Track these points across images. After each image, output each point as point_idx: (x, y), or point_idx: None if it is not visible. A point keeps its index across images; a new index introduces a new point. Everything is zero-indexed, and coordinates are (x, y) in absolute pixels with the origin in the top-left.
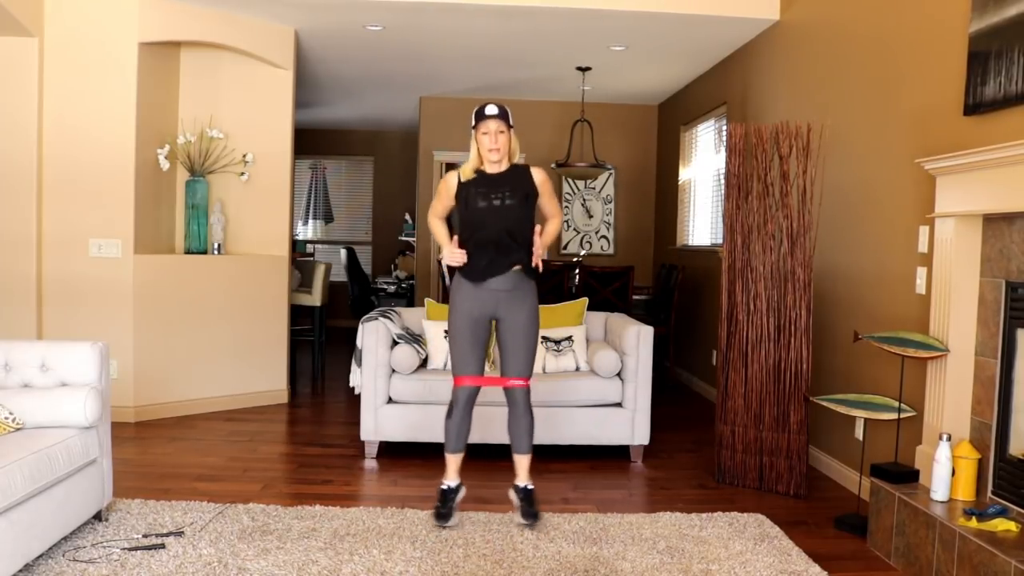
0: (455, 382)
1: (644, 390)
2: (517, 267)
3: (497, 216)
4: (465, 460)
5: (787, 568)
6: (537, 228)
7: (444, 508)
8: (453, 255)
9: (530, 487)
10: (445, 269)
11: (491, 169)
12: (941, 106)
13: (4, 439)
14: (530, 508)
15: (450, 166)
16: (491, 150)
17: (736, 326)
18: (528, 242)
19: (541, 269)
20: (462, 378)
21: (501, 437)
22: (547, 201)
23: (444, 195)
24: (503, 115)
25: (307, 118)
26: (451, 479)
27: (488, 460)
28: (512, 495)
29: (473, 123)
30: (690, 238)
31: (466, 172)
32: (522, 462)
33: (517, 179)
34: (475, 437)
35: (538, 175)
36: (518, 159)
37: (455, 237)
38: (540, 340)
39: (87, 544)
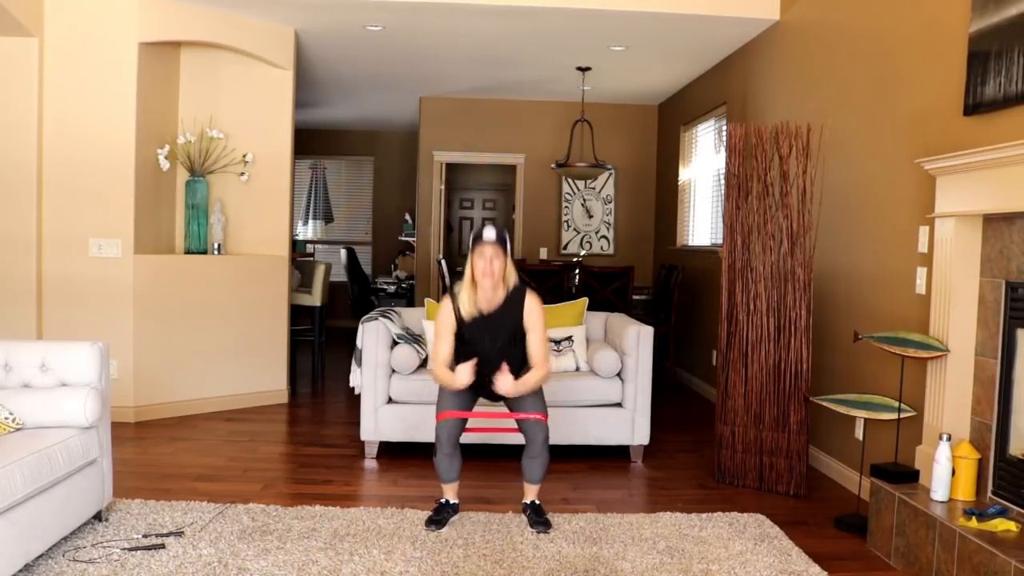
0: (437, 417)
1: (644, 390)
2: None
3: (493, 362)
4: (466, 462)
5: (787, 568)
6: (505, 369)
7: (438, 517)
8: (464, 377)
9: (537, 502)
10: (445, 269)
11: (485, 299)
12: (941, 106)
13: (4, 439)
14: (539, 518)
15: (450, 167)
16: (485, 275)
17: (736, 326)
18: (518, 368)
19: (505, 392)
20: (445, 412)
21: (501, 438)
22: (534, 338)
23: (446, 332)
24: (500, 241)
25: (307, 118)
26: (449, 496)
27: (488, 460)
28: (523, 512)
29: (471, 244)
30: (690, 238)
31: (463, 302)
32: (531, 489)
33: (510, 314)
34: (477, 438)
35: (530, 304)
36: (513, 281)
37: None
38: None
39: (87, 544)
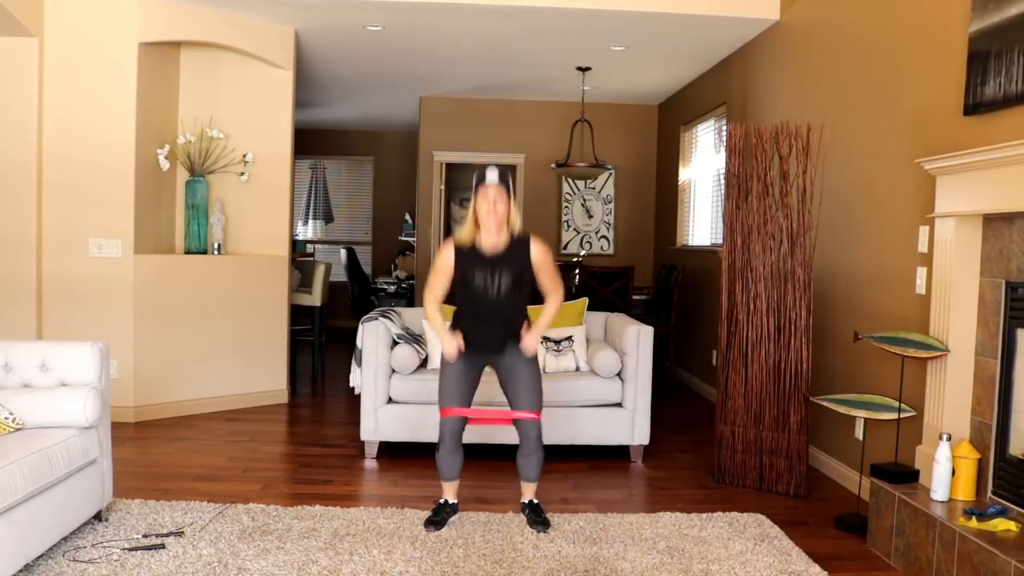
0: (441, 413)
1: (644, 390)
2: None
3: (494, 305)
4: (466, 461)
5: (787, 568)
6: (524, 325)
7: (437, 518)
8: (450, 350)
9: (535, 501)
10: None
11: (488, 242)
12: (941, 106)
13: (4, 439)
14: (537, 517)
15: (450, 167)
16: (489, 216)
17: (736, 326)
18: (521, 322)
19: (534, 353)
20: (448, 409)
21: (502, 438)
22: (545, 277)
23: (443, 272)
24: (503, 181)
25: (307, 118)
26: (449, 496)
27: (488, 460)
28: (521, 511)
29: (473, 186)
30: (690, 238)
31: (463, 238)
32: (528, 487)
33: (514, 256)
34: (476, 438)
35: (536, 249)
36: (517, 227)
37: (457, 333)
38: (540, 340)
39: (87, 544)
